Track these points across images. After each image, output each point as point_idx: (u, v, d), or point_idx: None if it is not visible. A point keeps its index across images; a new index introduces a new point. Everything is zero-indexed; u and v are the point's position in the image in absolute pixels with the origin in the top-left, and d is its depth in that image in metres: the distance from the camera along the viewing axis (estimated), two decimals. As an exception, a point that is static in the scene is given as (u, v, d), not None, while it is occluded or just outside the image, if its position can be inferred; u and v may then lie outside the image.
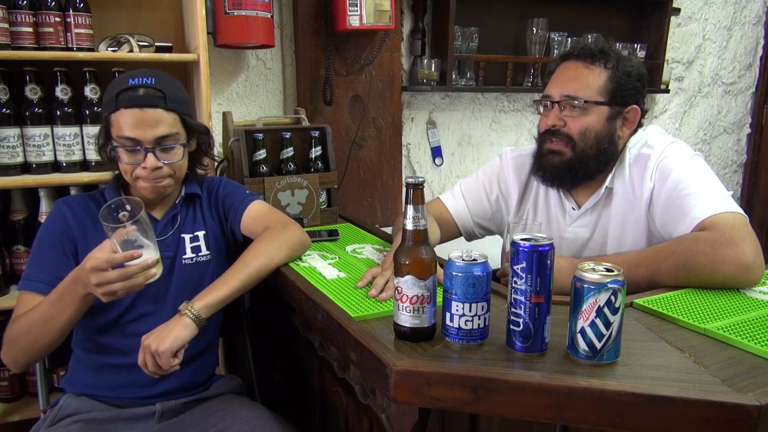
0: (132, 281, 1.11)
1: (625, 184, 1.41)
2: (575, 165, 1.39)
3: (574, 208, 1.50)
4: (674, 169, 1.32)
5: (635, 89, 1.38)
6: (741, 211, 1.25)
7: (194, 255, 1.40)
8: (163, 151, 1.29)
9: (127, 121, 1.25)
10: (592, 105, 1.36)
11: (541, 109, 1.45)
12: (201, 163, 1.46)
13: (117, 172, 1.36)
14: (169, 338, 1.17)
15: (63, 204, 1.35)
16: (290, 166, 1.86)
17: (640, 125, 1.44)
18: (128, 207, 1.16)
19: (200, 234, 1.43)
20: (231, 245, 1.49)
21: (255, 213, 1.45)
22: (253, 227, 1.43)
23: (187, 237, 1.41)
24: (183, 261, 1.39)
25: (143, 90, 1.26)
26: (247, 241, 1.42)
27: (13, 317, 1.25)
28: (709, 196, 1.27)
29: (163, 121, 1.28)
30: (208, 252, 1.42)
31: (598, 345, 0.86)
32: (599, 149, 1.38)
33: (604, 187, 1.43)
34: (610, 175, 1.43)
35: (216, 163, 1.91)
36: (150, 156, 1.27)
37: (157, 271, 1.16)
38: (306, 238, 1.47)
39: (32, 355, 1.25)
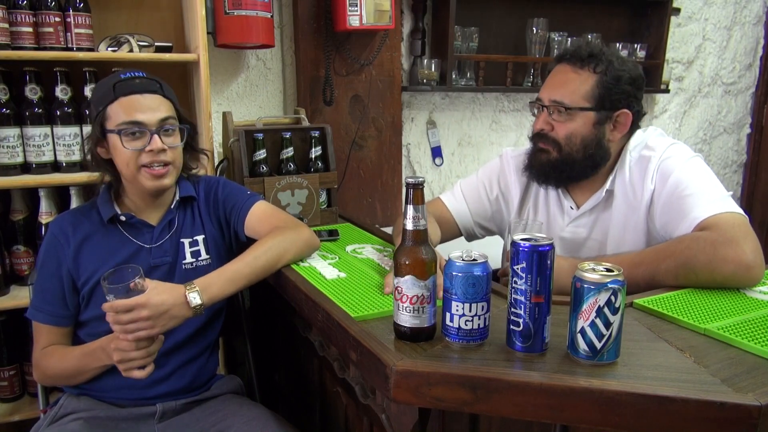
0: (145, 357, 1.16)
1: (625, 187, 1.41)
2: (560, 166, 1.41)
3: (572, 208, 1.50)
4: (674, 170, 1.33)
5: (626, 93, 1.37)
6: (741, 211, 1.26)
7: (194, 260, 1.40)
8: (164, 134, 1.30)
9: (130, 106, 1.26)
10: (578, 111, 1.37)
11: (535, 111, 1.47)
12: (189, 163, 1.44)
13: (106, 182, 1.35)
14: (169, 322, 1.16)
15: (54, 227, 1.35)
16: (290, 166, 1.85)
17: (637, 127, 1.44)
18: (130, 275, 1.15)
19: (199, 238, 1.42)
20: (231, 248, 1.48)
21: (260, 214, 1.44)
22: (258, 228, 1.42)
23: (186, 242, 1.40)
24: (183, 266, 1.38)
25: (138, 80, 1.29)
26: (249, 241, 1.41)
27: (36, 348, 1.33)
28: (709, 196, 1.27)
29: (163, 105, 1.31)
30: (208, 256, 1.42)
31: (598, 345, 0.86)
32: (586, 154, 1.39)
33: (605, 189, 1.43)
34: (611, 178, 1.43)
35: (216, 163, 1.91)
36: (155, 137, 1.28)
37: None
38: (315, 240, 1.47)
39: (69, 385, 1.37)
